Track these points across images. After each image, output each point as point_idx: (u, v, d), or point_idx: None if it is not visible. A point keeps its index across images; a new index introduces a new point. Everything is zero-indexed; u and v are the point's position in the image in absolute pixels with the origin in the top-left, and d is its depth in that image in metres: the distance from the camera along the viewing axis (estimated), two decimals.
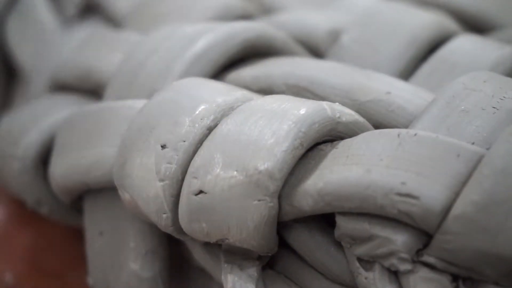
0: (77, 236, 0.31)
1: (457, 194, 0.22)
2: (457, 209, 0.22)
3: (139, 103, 0.27)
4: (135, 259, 0.28)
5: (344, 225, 0.23)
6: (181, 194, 0.25)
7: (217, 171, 0.24)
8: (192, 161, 0.25)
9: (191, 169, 0.25)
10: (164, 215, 0.25)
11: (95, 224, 0.29)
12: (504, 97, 0.24)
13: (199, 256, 0.27)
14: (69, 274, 0.32)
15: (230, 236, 0.24)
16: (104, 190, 0.28)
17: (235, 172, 0.24)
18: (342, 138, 0.25)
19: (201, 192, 0.24)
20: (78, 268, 0.31)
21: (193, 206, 0.24)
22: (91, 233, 0.29)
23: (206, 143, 0.25)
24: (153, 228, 0.27)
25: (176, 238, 0.26)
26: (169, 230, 0.26)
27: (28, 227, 0.34)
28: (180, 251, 0.29)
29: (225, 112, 0.25)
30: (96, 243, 0.29)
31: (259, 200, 0.24)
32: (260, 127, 0.24)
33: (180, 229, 0.25)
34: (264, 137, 0.24)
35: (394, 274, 0.23)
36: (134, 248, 0.28)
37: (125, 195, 0.26)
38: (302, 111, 0.24)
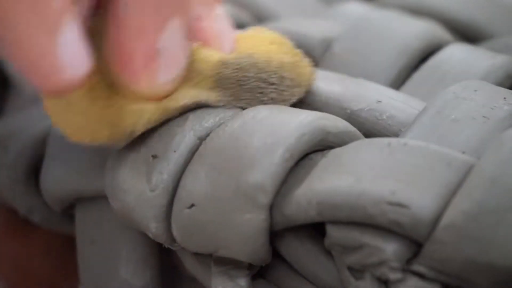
0: (69, 244, 0.30)
1: (447, 204, 0.22)
2: (447, 218, 0.22)
3: None
4: (126, 267, 0.27)
5: (334, 234, 0.23)
6: (174, 206, 0.25)
7: (208, 184, 0.24)
8: (184, 173, 0.25)
9: (183, 181, 0.25)
10: (155, 225, 0.25)
11: (87, 232, 0.29)
12: (494, 106, 0.25)
13: (190, 265, 0.27)
14: (61, 282, 0.32)
15: (222, 248, 0.24)
16: (96, 199, 0.28)
17: (226, 186, 0.24)
18: (332, 147, 0.25)
19: (193, 205, 0.24)
20: (70, 276, 0.31)
21: (185, 219, 0.24)
22: (83, 242, 0.29)
23: (197, 155, 0.25)
24: (144, 237, 0.27)
25: (167, 247, 0.26)
26: (161, 239, 0.26)
27: (20, 235, 0.34)
28: (171, 260, 0.29)
29: (216, 123, 0.25)
30: (87, 252, 0.29)
31: (250, 213, 0.24)
32: (250, 139, 0.24)
33: (171, 239, 0.25)
34: (255, 149, 0.24)
35: (384, 283, 0.23)
36: (125, 257, 0.28)
37: (116, 204, 0.26)
38: (292, 123, 0.24)
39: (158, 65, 0.24)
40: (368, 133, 0.26)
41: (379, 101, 0.26)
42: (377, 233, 0.23)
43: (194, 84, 0.26)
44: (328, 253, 0.24)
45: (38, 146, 0.30)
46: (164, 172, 0.25)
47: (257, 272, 0.26)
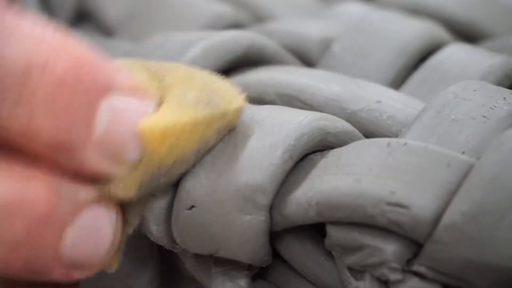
0: None
1: (447, 204, 0.22)
2: (447, 218, 0.22)
3: None
4: (124, 268, 0.27)
5: (334, 234, 0.23)
6: (174, 208, 0.25)
7: (208, 185, 0.24)
8: (184, 175, 0.25)
9: (182, 183, 0.25)
10: (156, 227, 0.25)
11: None
12: (494, 106, 0.24)
13: (190, 266, 0.27)
14: (61, 283, 0.32)
15: (222, 249, 0.24)
16: None
17: (226, 187, 0.24)
18: (332, 148, 0.25)
19: (193, 206, 0.24)
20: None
21: (185, 220, 0.24)
22: None
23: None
24: (143, 238, 0.27)
25: (167, 248, 0.26)
26: (162, 242, 0.26)
27: None
28: (171, 261, 0.29)
29: None
30: None
31: (250, 215, 0.24)
32: (249, 140, 0.24)
33: (172, 241, 0.25)
34: (254, 150, 0.24)
35: (385, 284, 0.23)
36: (124, 258, 0.28)
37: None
38: (291, 123, 0.24)
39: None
40: (368, 133, 0.26)
41: (379, 101, 0.26)
42: (377, 233, 0.23)
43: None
44: (328, 253, 0.24)
45: None
46: None
47: (257, 272, 0.26)
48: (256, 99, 0.28)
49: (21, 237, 0.22)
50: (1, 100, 0.21)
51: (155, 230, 0.25)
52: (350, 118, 0.26)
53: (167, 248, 0.26)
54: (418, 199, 0.22)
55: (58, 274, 0.23)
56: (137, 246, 0.28)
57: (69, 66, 0.22)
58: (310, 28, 0.31)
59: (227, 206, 0.24)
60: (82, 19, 0.36)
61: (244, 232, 0.24)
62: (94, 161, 0.23)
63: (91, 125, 0.22)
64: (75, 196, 0.23)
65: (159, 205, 0.25)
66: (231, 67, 0.29)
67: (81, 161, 0.23)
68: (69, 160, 0.23)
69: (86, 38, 0.34)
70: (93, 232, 0.23)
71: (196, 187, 0.24)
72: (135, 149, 0.23)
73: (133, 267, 0.28)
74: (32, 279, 0.24)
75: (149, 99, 0.23)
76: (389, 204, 0.22)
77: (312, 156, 0.25)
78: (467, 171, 0.22)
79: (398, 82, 0.29)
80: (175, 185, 0.25)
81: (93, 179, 0.23)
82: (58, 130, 0.22)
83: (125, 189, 0.23)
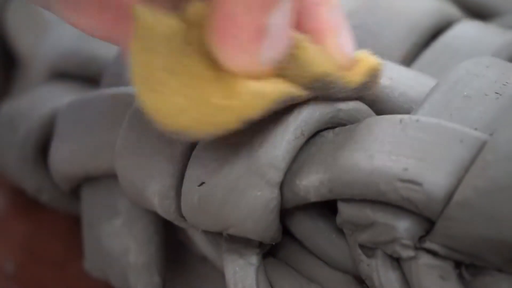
0: (77, 225, 0.30)
1: (459, 180, 0.22)
2: (459, 195, 0.22)
3: None
4: (130, 245, 0.27)
5: (346, 212, 0.23)
6: (183, 184, 0.25)
7: (218, 161, 0.24)
8: (194, 151, 0.25)
9: (193, 159, 0.25)
10: (167, 203, 0.25)
11: (92, 211, 0.29)
12: (507, 82, 0.24)
13: (200, 244, 0.27)
14: (68, 263, 0.32)
15: (232, 227, 0.24)
16: (102, 178, 0.28)
17: (237, 163, 0.24)
18: (343, 125, 0.25)
19: (203, 183, 0.24)
20: (77, 257, 0.31)
21: (195, 197, 0.24)
22: (88, 220, 0.29)
23: None
24: (149, 215, 0.27)
25: (175, 226, 0.26)
26: (171, 217, 0.26)
27: (28, 216, 0.34)
28: (179, 239, 0.29)
29: None
30: (92, 230, 0.29)
31: (261, 191, 0.23)
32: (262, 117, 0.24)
33: (182, 217, 0.25)
34: (266, 127, 0.24)
35: (396, 261, 0.23)
36: (130, 235, 0.28)
37: (126, 183, 0.26)
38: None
39: (262, 43, 0.23)
40: (380, 111, 0.25)
41: (390, 78, 0.26)
42: (389, 210, 0.23)
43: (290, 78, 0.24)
44: (340, 231, 0.24)
45: (46, 126, 0.30)
46: (175, 150, 0.25)
47: (268, 250, 0.25)
48: None
49: None
50: None
51: (165, 205, 0.25)
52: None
53: (176, 225, 0.26)
54: (431, 175, 0.22)
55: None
56: (143, 224, 0.28)
57: None
58: None
59: (238, 182, 0.24)
60: None
61: (255, 209, 0.24)
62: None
63: None
64: None
65: (169, 181, 0.25)
66: None
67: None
68: None
69: None
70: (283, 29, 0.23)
71: (207, 164, 0.24)
72: None
73: (138, 245, 0.27)
74: None
75: None
76: (402, 180, 0.22)
77: (323, 133, 0.24)
78: (480, 147, 0.22)
79: (409, 59, 0.28)
80: (186, 161, 0.25)
81: None
82: None
83: None
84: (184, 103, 0.22)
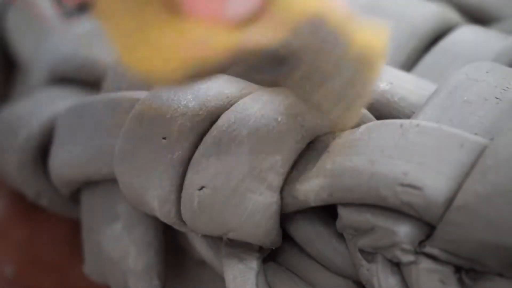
0: (76, 229, 0.30)
1: (460, 185, 0.22)
2: (460, 200, 0.22)
3: (139, 95, 0.27)
4: (130, 250, 0.27)
5: (346, 216, 0.23)
6: (183, 189, 0.25)
7: (218, 166, 0.24)
8: (194, 155, 0.25)
9: (192, 163, 0.25)
10: (166, 207, 0.25)
11: (92, 215, 0.29)
12: (507, 87, 0.24)
13: (200, 249, 0.27)
14: (68, 267, 0.32)
15: (232, 231, 0.24)
16: (102, 182, 0.28)
17: (237, 167, 0.24)
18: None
19: (203, 187, 0.24)
20: (77, 262, 0.31)
21: (195, 201, 0.24)
22: (88, 225, 0.29)
23: (207, 137, 0.25)
24: (149, 220, 0.27)
25: (175, 230, 0.26)
26: (171, 221, 0.26)
27: (28, 220, 0.34)
28: (179, 243, 0.29)
29: (227, 105, 0.25)
30: (92, 234, 0.29)
31: (261, 195, 0.23)
32: (260, 121, 0.24)
33: (182, 221, 0.25)
34: (266, 131, 0.24)
35: (397, 266, 0.23)
36: (129, 239, 0.28)
37: (125, 187, 0.26)
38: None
39: None
40: (380, 115, 0.25)
41: (390, 83, 0.26)
42: (389, 215, 0.23)
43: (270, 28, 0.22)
44: (340, 235, 0.24)
45: (46, 130, 0.30)
46: (174, 154, 0.25)
47: (268, 255, 0.25)
48: None
49: None
50: None
51: (164, 210, 0.25)
52: None
53: (176, 229, 0.26)
54: (431, 180, 0.22)
55: None
56: (142, 229, 0.28)
57: None
58: None
59: (239, 186, 0.24)
60: (90, 3, 0.36)
61: (255, 213, 0.24)
62: None
63: None
64: None
65: (169, 185, 0.25)
66: None
67: None
68: None
69: (94, 24, 0.34)
70: None
71: (207, 168, 0.24)
72: None
73: (137, 250, 0.27)
74: None
75: None
76: (402, 185, 0.22)
77: (323, 137, 0.24)
78: (480, 152, 0.22)
79: (409, 64, 0.28)
80: (186, 165, 0.25)
81: None
82: None
83: None
84: (144, 48, 0.22)
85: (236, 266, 0.25)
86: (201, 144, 0.25)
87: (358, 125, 0.25)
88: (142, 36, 0.22)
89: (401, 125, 0.23)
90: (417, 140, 0.23)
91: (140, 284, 0.27)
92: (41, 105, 0.31)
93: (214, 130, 0.25)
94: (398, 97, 0.26)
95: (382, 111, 0.26)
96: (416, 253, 0.22)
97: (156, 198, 0.25)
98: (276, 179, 0.23)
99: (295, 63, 0.23)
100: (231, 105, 0.25)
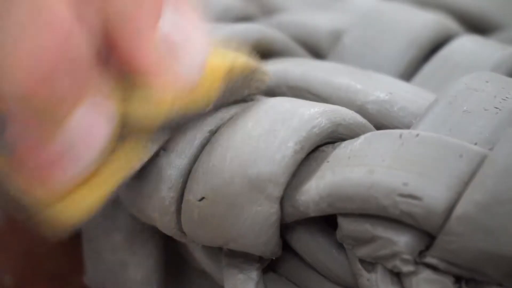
0: (78, 238, 0.30)
1: (459, 195, 0.22)
2: (460, 209, 0.22)
3: None
4: (130, 260, 0.27)
5: (346, 226, 0.23)
6: (184, 199, 0.25)
7: (219, 177, 0.24)
8: (194, 166, 0.25)
9: (193, 174, 0.25)
10: (167, 218, 0.25)
11: (92, 226, 0.29)
12: (506, 97, 0.24)
13: (200, 259, 0.27)
14: (68, 276, 0.32)
15: (232, 241, 0.24)
16: None
17: (237, 178, 0.24)
18: (343, 140, 0.25)
19: (203, 198, 0.24)
20: (77, 270, 0.31)
21: (195, 212, 0.24)
22: (88, 235, 0.29)
23: (207, 148, 0.25)
24: (149, 230, 0.27)
25: (176, 240, 0.26)
26: (171, 232, 0.26)
27: (27, 230, 0.34)
28: (179, 253, 0.29)
29: (226, 116, 0.25)
30: (92, 244, 0.29)
31: (261, 206, 0.23)
32: (261, 132, 0.24)
33: (182, 232, 0.25)
34: (265, 142, 0.24)
35: (397, 276, 0.23)
36: (130, 250, 0.28)
37: (126, 197, 0.26)
38: (303, 115, 0.24)
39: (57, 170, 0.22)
40: (379, 125, 0.26)
41: (390, 93, 0.26)
42: (389, 225, 0.23)
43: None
44: (340, 245, 0.24)
45: None
46: (174, 165, 0.25)
47: (268, 265, 0.25)
48: (267, 92, 0.27)
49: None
50: None
51: (165, 221, 0.25)
52: (361, 109, 0.26)
53: (176, 239, 0.26)
54: (431, 190, 0.22)
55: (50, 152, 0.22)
56: (143, 239, 0.28)
57: None
58: (319, 20, 0.31)
59: (239, 197, 0.24)
60: None
61: (255, 224, 0.24)
62: (147, 52, 0.23)
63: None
64: (105, 83, 0.22)
65: (169, 196, 0.25)
66: None
67: (138, 47, 0.22)
68: (128, 40, 0.22)
69: None
70: (93, 125, 0.22)
71: (207, 179, 0.24)
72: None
73: (137, 259, 0.27)
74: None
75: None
76: (402, 195, 0.22)
77: (323, 147, 0.25)
78: (480, 162, 0.22)
79: (408, 73, 0.29)
80: (186, 177, 0.25)
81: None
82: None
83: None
84: None
85: (236, 276, 0.25)
86: (201, 155, 0.25)
87: (357, 134, 0.25)
88: None
89: (401, 135, 0.23)
90: (417, 150, 0.23)
91: None
92: None
93: (214, 142, 0.25)
94: (397, 107, 0.26)
95: (381, 120, 0.26)
96: (416, 263, 0.22)
97: (157, 209, 0.25)
98: (275, 190, 0.23)
99: None
100: (231, 115, 0.25)
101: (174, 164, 0.25)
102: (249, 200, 0.23)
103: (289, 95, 0.27)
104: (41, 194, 0.23)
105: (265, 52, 0.29)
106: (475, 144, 0.23)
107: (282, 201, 0.24)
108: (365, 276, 0.23)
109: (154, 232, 0.27)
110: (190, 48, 0.24)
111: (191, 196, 0.24)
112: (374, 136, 0.24)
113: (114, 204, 0.28)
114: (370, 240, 0.23)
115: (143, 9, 0.22)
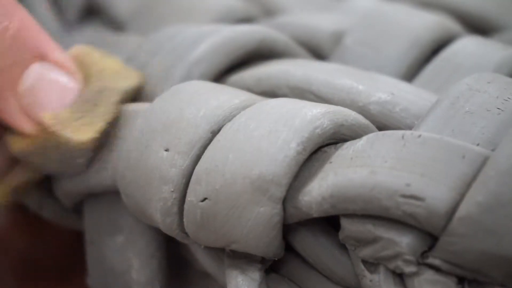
0: (78, 239, 0.30)
1: (462, 196, 0.22)
2: (462, 210, 0.22)
3: (142, 107, 0.27)
4: (133, 262, 0.27)
5: (348, 227, 0.23)
6: (186, 200, 0.25)
7: (221, 178, 0.24)
8: (197, 167, 0.25)
9: (195, 175, 0.25)
10: (169, 219, 0.25)
11: (94, 227, 0.29)
12: (508, 98, 0.24)
13: (202, 260, 0.27)
14: (71, 278, 0.32)
15: (235, 242, 0.24)
16: (104, 194, 0.28)
17: (240, 179, 0.24)
18: (345, 140, 0.25)
19: (205, 199, 0.24)
20: (80, 272, 0.31)
21: (197, 213, 0.24)
22: (91, 237, 0.29)
23: (209, 149, 0.25)
24: (152, 232, 0.27)
25: (178, 241, 0.26)
26: (174, 233, 0.26)
27: (29, 231, 0.34)
28: (182, 254, 0.29)
29: (228, 116, 0.25)
30: (95, 246, 0.29)
31: (264, 207, 0.23)
32: (263, 133, 0.24)
33: (184, 233, 0.25)
34: (268, 143, 0.24)
35: (399, 277, 0.23)
36: (132, 251, 0.28)
37: (128, 199, 0.26)
38: (305, 116, 0.24)
39: None
40: (381, 126, 0.26)
41: (392, 94, 0.26)
42: (391, 226, 0.23)
43: None
44: (342, 246, 0.24)
45: None
46: (177, 166, 0.25)
47: (270, 266, 0.25)
48: (269, 93, 0.28)
49: None
50: None
51: (167, 222, 0.25)
52: (363, 110, 0.26)
53: (178, 240, 0.26)
54: (433, 191, 0.22)
55: None
56: (145, 240, 0.28)
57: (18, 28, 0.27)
58: (321, 21, 0.31)
59: (241, 198, 0.24)
60: (91, 14, 0.36)
61: (257, 225, 0.24)
62: (12, 111, 0.26)
63: (19, 78, 0.27)
64: None
65: (171, 196, 0.25)
66: (242, 61, 0.29)
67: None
68: None
69: (95, 33, 0.34)
70: None
71: (209, 180, 0.24)
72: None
73: (140, 261, 0.27)
74: None
75: (73, 79, 0.28)
76: (404, 196, 0.22)
77: (325, 148, 0.25)
78: (482, 162, 0.22)
79: (410, 74, 0.29)
80: (188, 177, 0.25)
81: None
82: None
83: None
84: None
85: (239, 277, 0.25)
86: (204, 155, 0.25)
87: (360, 135, 0.25)
88: None
89: (403, 136, 0.23)
90: (419, 151, 0.23)
91: None
92: None
93: (216, 142, 0.25)
94: (399, 108, 0.26)
95: (383, 122, 0.26)
96: (419, 264, 0.22)
97: (159, 210, 0.25)
98: (278, 191, 0.23)
99: None
100: (233, 116, 0.25)
101: (176, 165, 0.25)
102: (252, 201, 0.23)
103: (291, 96, 0.27)
104: None
105: (267, 53, 0.29)
106: (478, 145, 0.23)
107: (284, 202, 0.24)
108: (367, 277, 0.23)
109: (157, 234, 0.27)
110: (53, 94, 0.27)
111: (193, 197, 0.24)
112: (376, 137, 0.24)
113: (116, 206, 0.28)
114: (372, 241, 0.23)
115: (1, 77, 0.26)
